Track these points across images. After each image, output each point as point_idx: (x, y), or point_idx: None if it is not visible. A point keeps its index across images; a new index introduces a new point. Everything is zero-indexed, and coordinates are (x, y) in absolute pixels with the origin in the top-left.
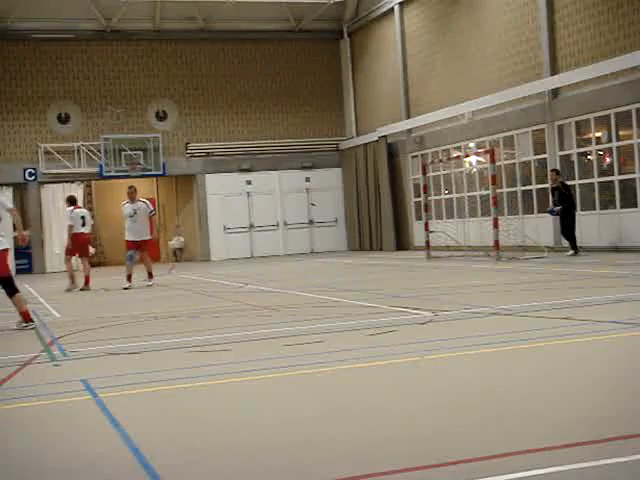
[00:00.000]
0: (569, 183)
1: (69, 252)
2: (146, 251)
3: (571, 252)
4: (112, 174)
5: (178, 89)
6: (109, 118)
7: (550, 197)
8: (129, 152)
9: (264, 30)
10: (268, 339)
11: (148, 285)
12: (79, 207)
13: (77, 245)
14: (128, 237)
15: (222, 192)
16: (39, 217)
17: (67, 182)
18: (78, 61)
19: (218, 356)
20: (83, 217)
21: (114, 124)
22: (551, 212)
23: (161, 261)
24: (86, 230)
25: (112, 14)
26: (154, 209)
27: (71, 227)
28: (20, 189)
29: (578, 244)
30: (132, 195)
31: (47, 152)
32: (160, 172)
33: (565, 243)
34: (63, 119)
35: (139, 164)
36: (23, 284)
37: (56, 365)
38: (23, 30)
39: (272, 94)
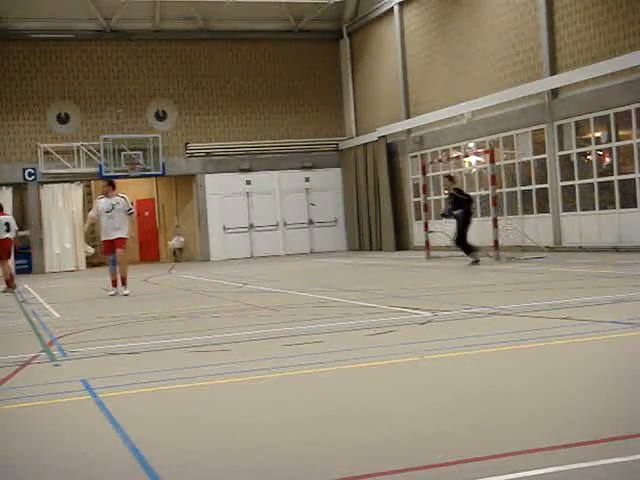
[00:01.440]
0: (570, 183)
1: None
2: (121, 249)
3: (471, 261)
4: (112, 174)
5: (178, 89)
6: (109, 118)
7: (445, 203)
8: (129, 152)
9: (264, 30)
10: (268, 339)
11: (124, 294)
12: (4, 214)
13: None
14: (104, 236)
15: (222, 192)
16: (39, 217)
17: (67, 182)
18: (78, 61)
19: (218, 356)
20: (7, 223)
21: (114, 124)
22: (444, 215)
23: (161, 261)
24: (10, 235)
25: (112, 14)
26: (132, 207)
27: None
28: (20, 189)
29: (577, 244)
30: (109, 189)
31: (47, 152)
32: (160, 172)
33: (565, 243)
34: (63, 119)
35: (139, 164)
36: (23, 284)
37: (56, 365)
38: (23, 30)
39: (272, 94)
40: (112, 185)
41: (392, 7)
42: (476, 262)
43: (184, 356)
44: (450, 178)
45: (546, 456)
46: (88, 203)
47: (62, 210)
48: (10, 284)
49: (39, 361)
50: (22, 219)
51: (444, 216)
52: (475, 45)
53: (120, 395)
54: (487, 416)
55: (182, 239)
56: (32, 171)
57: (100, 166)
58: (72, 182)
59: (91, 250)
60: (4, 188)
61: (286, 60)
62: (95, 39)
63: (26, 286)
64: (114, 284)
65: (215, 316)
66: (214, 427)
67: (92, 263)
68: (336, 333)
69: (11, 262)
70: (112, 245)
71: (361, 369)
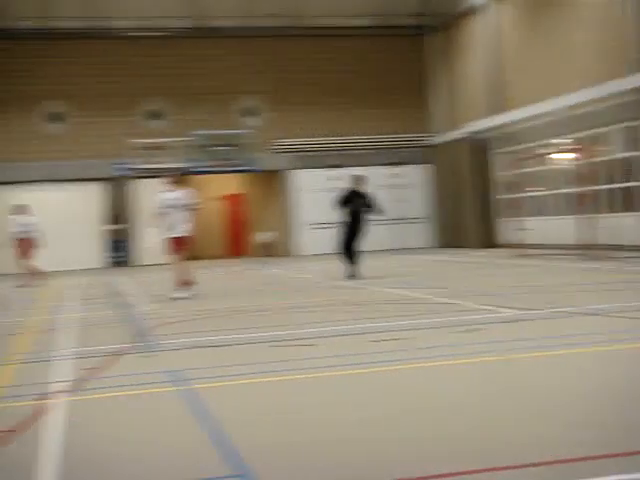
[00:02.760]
0: None
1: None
2: (180, 251)
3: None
4: (200, 170)
5: (266, 85)
6: (198, 114)
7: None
8: (217, 148)
9: (352, 26)
10: (354, 335)
11: (177, 297)
12: (30, 215)
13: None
14: (164, 233)
15: (309, 188)
16: (130, 212)
17: (156, 177)
18: (168, 58)
19: (304, 350)
20: (31, 224)
21: (203, 120)
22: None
23: (249, 256)
24: (33, 235)
25: (203, 11)
26: (197, 201)
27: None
28: (110, 184)
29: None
30: (171, 183)
31: (137, 148)
32: (248, 168)
33: None
34: (153, 115)
35: (227, 160)
36: (119, 276)
37: (146, 356)
38: (118, 28)
39: (360, 90)
40: (176, 178)
41: (483, 0)
42: (352, 276)
43: (271, 350)
44: (360, 179)
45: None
46: None
47: (151, 205)
48: (31, 281)
49: (130, 352)
50: (113, 214)
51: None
52: (570, 38)
53: (208, 387)
54: (574, 419)
55: (270, 234)
56: (123, 166)
57: (189, 162)
58: (162, 177)
59: None
60: (95, 183)
61: (374, 56)
62: (185, 36)
63: (122, 278)
64: (186, 284)
65: (302, 311)
66: (298, 420)
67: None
68: (422, 330)
69: (31, 260)
70: (172, 244)
71: (446, 367)
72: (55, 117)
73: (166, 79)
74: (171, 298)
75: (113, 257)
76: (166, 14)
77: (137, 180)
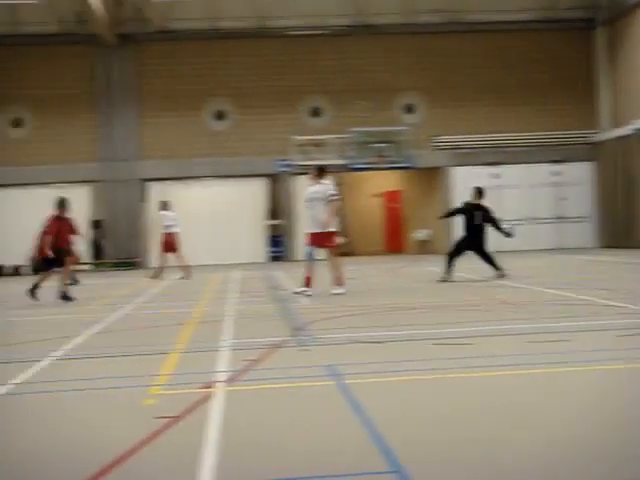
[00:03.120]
0: None
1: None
2: (328, 248)
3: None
4: (360, 166)
5: (425, 82)
6: (358, 111)
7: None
8: (377, 145)
9: (513, 21)
10: (511, 335)
11: (334, 293)
12: (172, 211)
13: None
14: (308, 228)
15: (467, 185)
16: (291, 207)
17: None
18: (329, 55)
19: (460, 349)
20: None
21: (363, 117)
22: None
23: (406, 253)
24: (177, 230)
25: (362, 9)
26: (336, 194)
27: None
28: (273, 180)
29: None
30: (312, 176)
31: (299, 145)
32: (406, 165)
33: None
34: (314, 112)
35: (386, 157)
36: (277, 270)
37: (304, 350)
38: (279, 27)
39: (520, 86)
40: (318, 171)
41: None
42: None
43: (428, 347)
44: (479, 192)
45: None
46: None
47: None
48: (157, 274)
49: (288, 345)
50: (274, 209)
51: (507, 235)
52: None
53: (364, 382)
54: None
55: (428, 231)
56: (284, 163)
57: (349, 158)
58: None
59: (342, 240)
60: (257, 179)
61: (535, 51)
62: (346, 34)
63: (279, 272)
64: (307, 282)
65: (459, 309)
66: (450, 419)
67: (343, 253)
68: (583, 332)
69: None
70: (313, 239)
71: (609, 371)
72: (220, 115)
73: (326, 76)
74: (330, 294)
75: (271, 252)
76: (326, 13)
77: (295, 177)
